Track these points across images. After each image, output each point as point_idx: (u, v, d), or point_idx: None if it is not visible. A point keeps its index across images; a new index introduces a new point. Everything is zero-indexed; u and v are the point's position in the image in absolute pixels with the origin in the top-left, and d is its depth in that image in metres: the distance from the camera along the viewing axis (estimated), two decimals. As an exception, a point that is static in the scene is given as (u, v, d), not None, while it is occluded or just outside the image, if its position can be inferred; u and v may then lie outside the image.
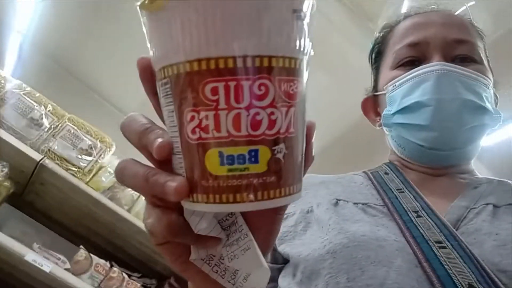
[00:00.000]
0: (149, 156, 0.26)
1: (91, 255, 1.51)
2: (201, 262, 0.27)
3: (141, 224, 1.58)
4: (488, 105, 0.53)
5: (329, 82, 3.09)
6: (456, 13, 0.61)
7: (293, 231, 0.49)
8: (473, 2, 0.67)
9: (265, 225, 0.28)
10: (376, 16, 2.66)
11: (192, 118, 0.22)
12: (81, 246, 1.53)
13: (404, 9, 0.64)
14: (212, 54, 0.21)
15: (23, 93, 1.49)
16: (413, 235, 0.42)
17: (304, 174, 0.26)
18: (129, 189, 1.62)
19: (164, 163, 0.25)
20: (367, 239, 0.42)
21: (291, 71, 0.22)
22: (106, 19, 2.55)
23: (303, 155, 0.25)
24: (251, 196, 0.22)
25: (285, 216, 0.52)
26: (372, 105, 0.65)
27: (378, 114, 0.63)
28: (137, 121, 0.26)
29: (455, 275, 0.36)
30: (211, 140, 0.21)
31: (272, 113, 0.21)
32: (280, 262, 0.50)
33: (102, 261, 1.52)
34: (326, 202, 0.50)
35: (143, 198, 1.58)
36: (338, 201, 0.50)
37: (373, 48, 0.66)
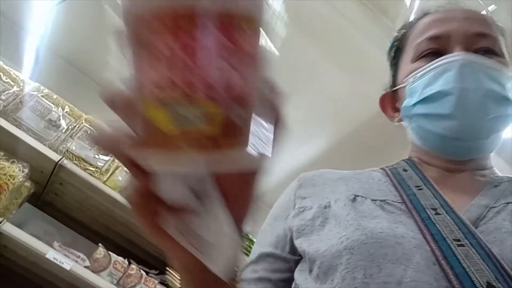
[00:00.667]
0: None
1: (110, 252, 1.53)
2: (174, 231, 0.27)
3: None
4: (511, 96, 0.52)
5: (345, 78, 3.07)
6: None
7: (311, 225, 0.49)
8: (494, 6, 0.66)
9: (236, 193, 0.28)
10: (392, 12, 2.62)
11: (142, 71, 0.21)
12: (100, 244, 1.55)
13: (422, 7, 0.64)
14: (168, 9, 0.20)
15: (41, 95, 1.53)
16: (431, 232, 0.41)
17: (276, 144, 0.25)
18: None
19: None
20: (384, 236, 0.42)
21: (253, 28, 0.22)
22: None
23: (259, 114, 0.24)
24: (205, 155, 0.21)
25: (301, 209, 0.52)
26: (390, 101, 0.64)
27: (396, 110, 0.63)
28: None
29: (473, 273, 0.36)
30: (162, 95, 0.21)
31: (229, 74, 0.21)
32: (298, 254, 0.50)
33: (120, 258, 1.54)
34: (344, 198, 0.50)
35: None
36: (356, 197, 0.49)
37: (392, 45, 0.66)
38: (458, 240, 0.40)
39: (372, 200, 0.49)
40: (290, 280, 0.50)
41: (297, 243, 0.50)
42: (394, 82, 0.64)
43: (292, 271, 0.50)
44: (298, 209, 0.53)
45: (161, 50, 0.20)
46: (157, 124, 0.21)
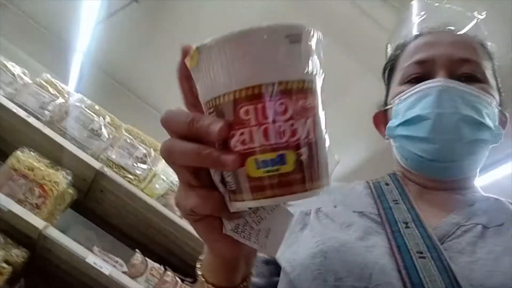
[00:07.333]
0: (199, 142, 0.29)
1: (146, 259, 1.57)
2: (232, 232, 0.33)
3: (193, 230, 1.62)
4: (488, 122, 0.55)
5: (380, 87, 3.01)
6: (468, 29, 0.63)
7: (291, 231, 0.53)
8: (482, 16, 0.67)
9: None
10: None
11: (232, 135, 0.28)
12: (137, 250, 1.59)
13: (416, 29, 0.67)
14: (243, 86, 0.27)
15: (84, 106, 1.60)
16: (397, 244, 0.46)
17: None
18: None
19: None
20: (356, 246, 0.47)
21: (303, 90, 0.28)
22: (158, 37, 2.68)
23: (326, 154, 0.30)
24: (283, 191, 0.27)
25: None
26: (382, 119, 0.67)
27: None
28: (182, 113, 0.30)
29: (428, 283, 0.41)
30: (247, 150, 0.28)
31: (292, 124, 0.28)
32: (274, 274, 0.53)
33: (156, 264, 1.57)
34: (325, 207, 0.55)
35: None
36: (336, 207, 0.54)
37: (386, 65, 0.70)
38: (421, 253, 0.44)
39: (351, 211, 0.53)
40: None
41: (278, 254, 0.52)
42: (386, 102, 0.67)
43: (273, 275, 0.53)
44: None
45: (241, 117, 0.27)
46: (246, 171, 0.28)
